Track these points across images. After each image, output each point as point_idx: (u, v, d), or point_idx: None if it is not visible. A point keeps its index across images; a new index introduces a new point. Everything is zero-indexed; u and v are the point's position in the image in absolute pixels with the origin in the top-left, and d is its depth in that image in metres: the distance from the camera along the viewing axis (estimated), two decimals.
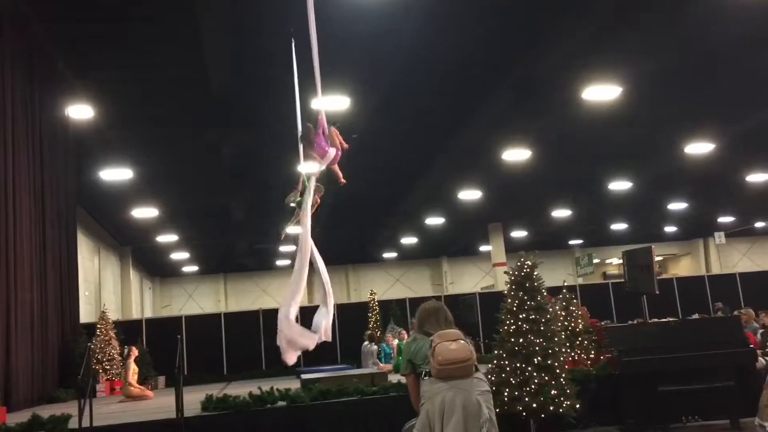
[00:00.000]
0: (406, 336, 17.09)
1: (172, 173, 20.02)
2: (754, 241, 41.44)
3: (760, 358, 10.01)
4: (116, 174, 18.92)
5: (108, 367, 16.08)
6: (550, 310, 9.00)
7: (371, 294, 21.19)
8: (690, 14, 12.72)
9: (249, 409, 8.64)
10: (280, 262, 37.77)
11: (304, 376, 12.02)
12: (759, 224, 36.29)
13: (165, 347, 13.23)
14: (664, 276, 28.69)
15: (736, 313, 15.13)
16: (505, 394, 8.32)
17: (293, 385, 10.49)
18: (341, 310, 20.41)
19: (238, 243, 31.91)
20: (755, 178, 25.60)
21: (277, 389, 9.08)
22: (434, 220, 29.56)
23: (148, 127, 16.56)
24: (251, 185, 21.17)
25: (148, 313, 35.79)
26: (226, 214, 25.21)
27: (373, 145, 17.40)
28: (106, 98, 14.57)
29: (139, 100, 15.11)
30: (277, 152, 16.82)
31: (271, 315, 21.14)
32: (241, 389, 9.76)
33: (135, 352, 13.99)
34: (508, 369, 8.46)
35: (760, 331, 11.98)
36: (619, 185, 25.14)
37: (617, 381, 9.02)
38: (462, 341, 5.06)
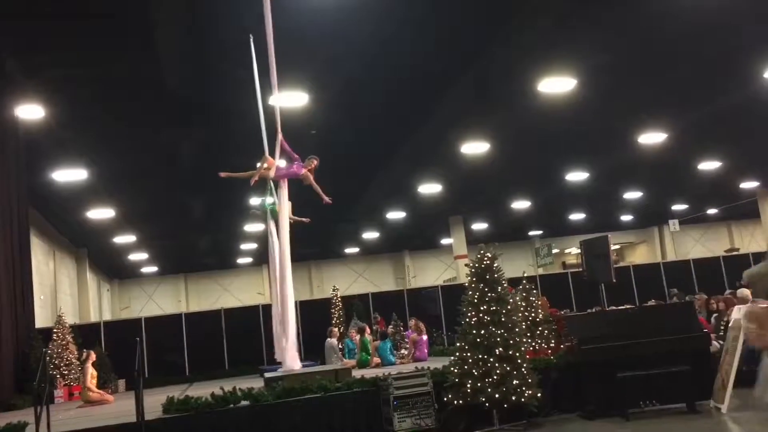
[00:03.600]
0: (369, 331, 17.12)
1: (128, 173, 19.65)
2: (707, 228, 42.52)
3: (714, 342, 10.31)
4: (70, 174, 18.51)
5: (66, 372, 15.75)
6: (511, 301, 9.11)
7: (334, 290, 21.16)
8: (642, 7, 12.94)
9: (212, 410, 8.55)
10: (241, 260, 37.46)
11: (267, 375, 11.93)
12: (711, 211, 37.22)
13: (125, 350, 13.02)
14: (621, 264, 29.26)
15: (689, 298, 15.53)
16: (468, 385, 8.41)
17: (257, 383, 10.43)
18: (304, 306, 20.35)
19: (198, 242, 31.53)
20: (706, 166, 26.26)
21: (240, 389, 9.01)
22: (396, 215, 29.64)
23: (102, 127, 16.21)
24: (210, 184, 20.90)
25: (107, 316, 35.16)
26: (185, 213, 24.89)
27: (332, 140, 17.35)
28: (57, 98, 14.21)
29: (92, 100, 14.76)
30: (236, 149, 16.65)
31: (234, 314, 21.14)
32: (203, 390, 9.66)
33: (93, 356, 13.73)
34: (470, 360, 8.54)
35: (714, 315, 12.29)
36: (576, 176, 25.53)
37: (577, 369, 9.17)
38: None
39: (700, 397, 8.67)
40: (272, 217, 15.69)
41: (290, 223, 14.35)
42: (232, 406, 8.69)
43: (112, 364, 16.74)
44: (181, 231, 28.08)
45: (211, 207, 24.18)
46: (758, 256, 25.53)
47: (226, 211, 24.29)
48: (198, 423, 8.39)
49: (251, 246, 32.64)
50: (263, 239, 18.35)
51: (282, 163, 11.74)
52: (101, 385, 14.41)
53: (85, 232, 26.46)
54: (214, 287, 39.95)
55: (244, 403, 8.76)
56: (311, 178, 11.50)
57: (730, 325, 9.20)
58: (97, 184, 19.65)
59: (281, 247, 11.25)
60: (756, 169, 28.48)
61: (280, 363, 11.61)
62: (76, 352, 15.96)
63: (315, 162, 11.55)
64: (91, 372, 13.44)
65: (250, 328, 19.90)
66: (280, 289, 11.03)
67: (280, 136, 11.33)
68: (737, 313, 8.87)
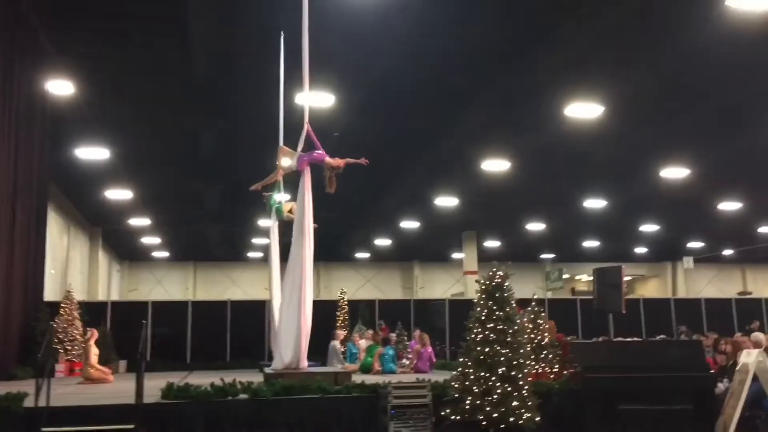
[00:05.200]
0: (371, 337, 17.09)
1: (149, 156, 19.80)
2: (720, 268, 42.10)
3: (719, 384, 10.19)
4: (92, 153, 18.66)
5: (69, 347, 15.83)
6: (518, 321, 9.05)
7: (341, 293, 21.14)
8: (673, 47, 12.91)
9: (210, 399, 8.57)
10: (251, 254, 37.54)
11: (267, 371, 11.94)
12: (726, 252, 36.88)
13: (129, 331, 13.12)
14: (631, 296, 29.03)
15: (697, 337, 15.37)
16: (468, 401, 8.36)
17: (256, 378, 10.42)
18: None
19: (211, 232, 31.65)
20: (726, 206, 26.04)
21: (239, 382, 9.01)
22: (409, 224, 29.60)
23: (128, 108, 16.36)
24: (228, 174, 21.03)
25: (115, 296, 35.35)
26: (201, 202, 25.00)
27: (354, 143, 17.35)
28: (87, 75, 14.37)
29: (121, 80, 14.92)
30: (255, 144, 16.74)
31: (239, 306, 21.17)
32: (203, 379, 9.67)
33: (95, 334, 13.79)
34: (472, 377, 8.49)
35: (722, 357, 12.15)
36: (594, 203, 25.40)
37: (579, 396, 9.10)
38: None
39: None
40: (277, 216, 15.73)
41: (286, 220, 14.30)
42: (230, 398, 8.70)
43: (115, 344, 16.82)
44: (196, 219, 28.21)
45: (226, 198, 24.28)
46: None
47: (241, 203, 24.36)
48: (195, 411, 8.40)
49: (263, 240, 32.73)
50: (280, 233, 18.37)
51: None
52: (103, 364, 14.46)
53: (102, 212, 26.65)
54: (222, 278, 40.07)
55: (242, 396, 8.77)
56: (334, 167, 11.26)
57: (737, 368, 9.08)
58: (118, 164, 19.81)
59: (303, 240, 10.93)
60: None
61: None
62: (81, 329, 16.05)
63: (342, 163, 11.32)
64: (94, 350, 13.50)
65: (254, 322, 19.91)
66: (301, 284, 10.76)
67: (307, 126, 11.28)
68: (746, 356, 8.77)
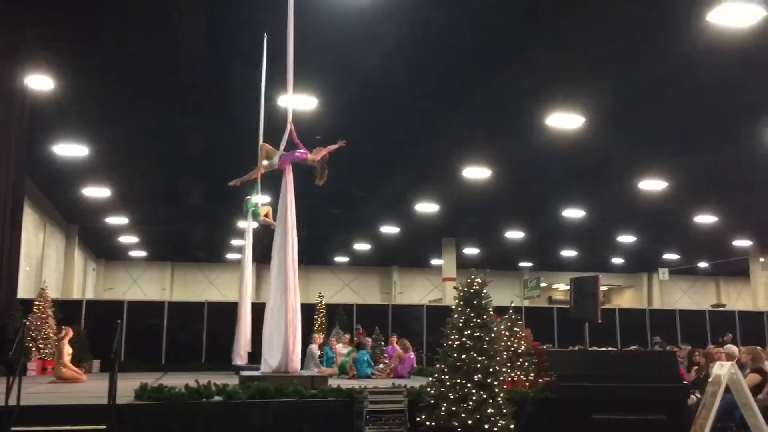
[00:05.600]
0: (348, 341, 17.06)
1: (128, 154, 19.63)
2: (695, 280, 42.64)
3: (692, 395, 10.30)
4: (71, 150, 18.46)
5: (42, 345, 15.64)
6: (495, 329, 9.09)
7: (319, 296, 21.08)
8: (653, 58, 13.07)
9: (184, 401, 8.49)
10: (230, 255, 37.35)
11: (243, 373, 11.86)
12: (702, 264, 37.35)
13: (104, 331, 12.95)
14: (607, 306, 29.27)
15: (671, 348, 15.53)
16: (443, 408, 8.37)
17: (232, 381, 10.36)
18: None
19: (190, 232, 31.45)
20: (702, 219, 26.38)
21: (214, 384, 8.95)
22: (389, 229, 29.63)
23: (109, 105, 16.21)
24: (208, 175, 20.92)
25: (90, 295, 34.96)
26: (180, 202, 24.84)
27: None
28: (68, 71, 14.22)
29: (102, 76, 14.77)
30: (236, 144, 16.67)
31: (217, 308, 21.02)
32: (178, 380, 9.59)
33: (70, 333, 13.62)
34: (448, 384, 8.50)
35: (695, 368, 12.29)
36: (573, 213, 25.61)
37: (553, 405, 9.14)
38: None
39: None
40: (253, 218, 15.63)
41: (262, 224, 14.22)
42: (204, 400, 8.63)
43: (90, 343, 16.62)
44: (174, 219, 28.01)
45: (206, 198, 24.15)
46: (744, 315, 25.63)
47: (221, 204, 24.24)
48: (169, 412, 8.32)
49: (242, 242, 32.57)
50: (256, 236, 18.32)
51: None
52: (76, 363, 14.29)
53: (79, 209, 26.37)
54: (200, 279, 39.83)
55: (217, 398, 8.71)
56: (318, 161, 11.26)
57: (710, 380, 9.18)
58: (97, 162, 19.61)
59: (287, 243, 10.87)
60: (750, 228, 28.63)
61: (256, 363, 11.49)
62: (54, 327, 15.85)
63: (324, 153, 11.32)
64: (67, 349, 13.34)
65: (231, 323, 19.74)
66: (286, 287, 10.68)
67: (290, 126, 11.26)
68: (718, 368, 8.86)
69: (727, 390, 8.55)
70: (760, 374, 10.05)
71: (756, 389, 9.60)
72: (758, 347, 11.37)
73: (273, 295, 10.83)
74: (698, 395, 10.00)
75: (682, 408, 9.13)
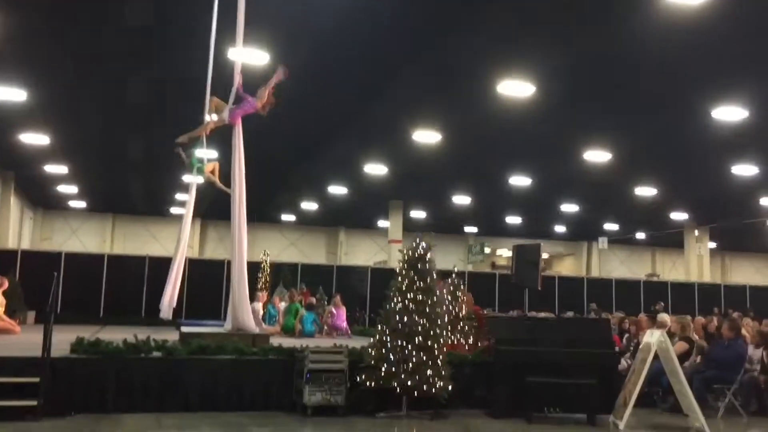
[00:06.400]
0: (296, 296, 17.10)
1: (68, 101, 18.90)
2: (632, 250, 43.96)
3: (623, 360, 10.70)
4: (7, 93, 17.69)
5: None
6: (438, 293, 9.22)
7: (265, 254, 20.98)
8: (604, 29, 13.17)
9: (122, 356, 8.39)
10: (174, 210, 36.70)
11: (183, 329, 11.77)
12: (639, 235, 38.47)
13: (40, 282, 12.64)
14: (548, 273, 30.00)
15: (606, 315, 16.07)
16: (383, 369, 8.50)
17: (172, 336, 10.27)
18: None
19: (132, 184, 30.68)
20: (642, 191, 27.10)
21: (153, 339, 8.86)
22: (337, 189, 29.53)
23: (49, 48, 15.51)
24: (152, 126, 20.36)
25: (26, 245, 33.95)
26: (122, 152, 24.13)
27: (285, 104, 17.10)
28: (7, 9, 13.52)
29: (45, 18, 14.09)
30: (183, 96, 16.24)
31: (158, 262, 20.71)
32: (116, 335, 9.46)
33: (5, 283, 13.25)
34: (389, 345, 8.63)
35: (626, 335, 12.75)
36: (520, 180, 25.96)
37: (490, 368, 9.37)
38: None
39: (602, 411, 8.98)
40: (198, 174, 15.38)
41: (206, 180, 14.01)
42: (143, 355, 8.54)
43: (24, 294, 16.21)
44: (117, 170, 27.25)
45: (149, 150, 23.53)
46: (676, 285, 26.62)
47: (165, 157, 23.69)
48: (106, 367, 8.22)
49: (186, 196, 32.02)
50: (200, 192, 18.02)
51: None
52: (9, 315, 13.94)
53: (16, 155, 25.35)
54: (142, 233, 39.06)
55: (156, 354, 8.63)
56: (267, 103, 11.20)
57: (640, 347, 9.54)
58: (35, 107, 18.84)
59: (241, 200, 10.91)
60: (686, 202, 29.59)
61: (198, 318, 11.50)
62: None
63: (269, 90, 11.23)
64: (0, 300, 12.99)
65: None
66: (238, 245, 10.74)
67: (238, 79, 11.07)
68: (649, 336, 9.21)
69: (656, 357, 8.91)
70: (687, 343, 10.50)
71: (683, 357, 10.04)
72: (687, 316, 11.86)
73: (235, 256, 10.94)
74: (629, 361, 10.40)
75: (613, 373, 9.48)
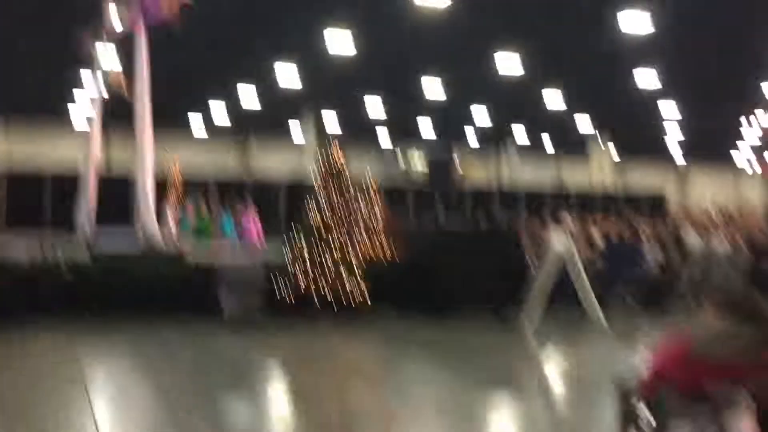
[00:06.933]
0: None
1: None
2: (540, 156, 45.05)
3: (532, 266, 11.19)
4: None
5: None
6: (356, 204, 9.27)
7: (174, 164, 20.33)
8: None
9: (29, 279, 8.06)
10: (75, 116, 34.72)
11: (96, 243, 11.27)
12: (547, 142, 39.44)
13: None
14: (461, 180, 30.53)
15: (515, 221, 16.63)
16: (302, 279, 8.59)
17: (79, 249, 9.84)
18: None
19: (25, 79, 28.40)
20: (550, 98, 27.82)
21: (65, 262, 8.51)
22: (249, 96, 28.78)
23: None
24: (48, 18, 18.90)
25: None
26: (15, 46, 22.24)
27: (199, 12, 16.25)
28: None
29: None
30: None
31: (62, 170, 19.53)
32: (19, 245, 9.04)
33: None
34: (307, 255, 8.69)
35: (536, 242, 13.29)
36: (433, 86, 25.99)
37: (403, 273, 9.63)
38: None
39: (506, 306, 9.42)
40: (105, 82, 14.57)
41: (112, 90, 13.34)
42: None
43: None
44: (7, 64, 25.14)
45: (47, 47, 21.78)
46: (581, 193, 27.72)
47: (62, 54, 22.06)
48: (11, 290, 7.90)
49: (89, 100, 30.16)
50: (104, 102, 17.03)
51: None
52: None
53: None
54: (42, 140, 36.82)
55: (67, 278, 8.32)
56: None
57: (548, 252, 9.99)
58: None
59: (146, 113, 10.48)
60: (591, 109, 30.56)
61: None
62: None
63: None
64: None
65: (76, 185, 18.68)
66: (142, 154, 10.41)
67: None
68: (556, 241, 9.66)
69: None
70: (588, 242, 11.22)
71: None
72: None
73: (142, 171, 10.58)
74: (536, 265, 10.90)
75: (524, 278, 9.95)
